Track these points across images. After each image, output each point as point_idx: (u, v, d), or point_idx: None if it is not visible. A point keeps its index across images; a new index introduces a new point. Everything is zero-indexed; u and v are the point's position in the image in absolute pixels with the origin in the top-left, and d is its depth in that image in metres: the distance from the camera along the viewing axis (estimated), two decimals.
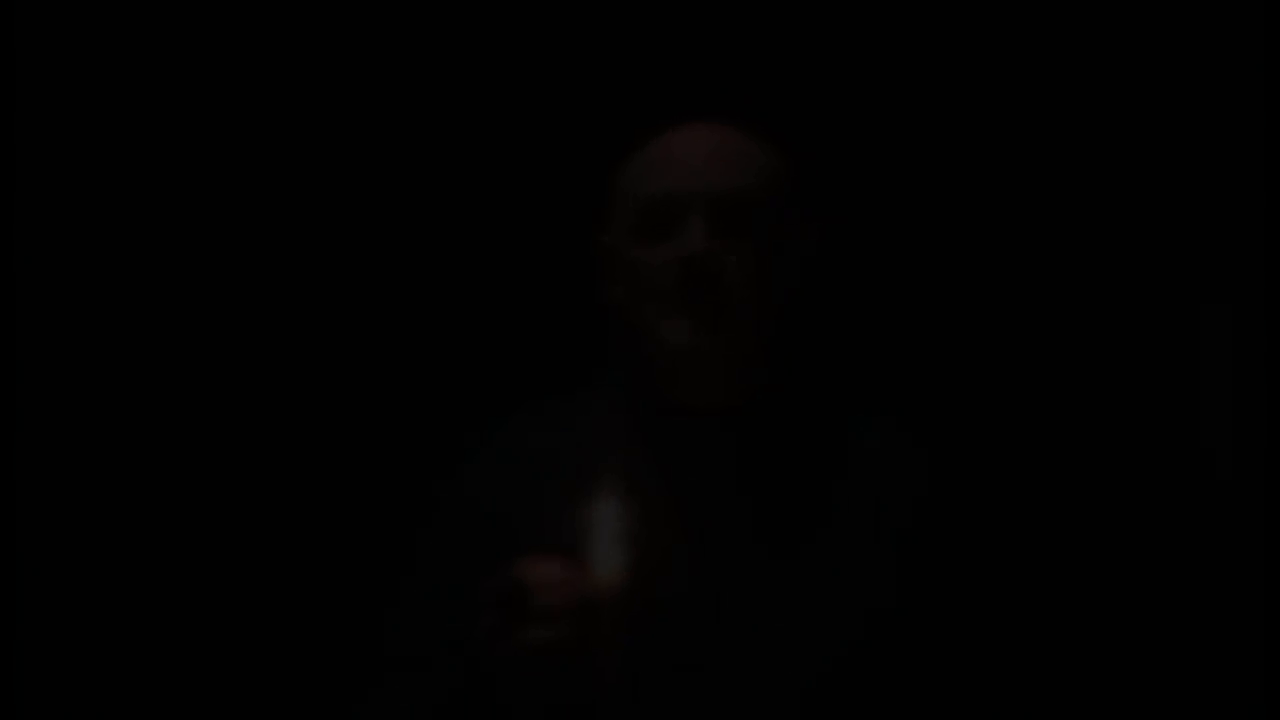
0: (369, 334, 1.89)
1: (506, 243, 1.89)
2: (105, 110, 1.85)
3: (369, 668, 1.25)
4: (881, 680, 1.20)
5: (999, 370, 1.90)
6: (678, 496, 1.16)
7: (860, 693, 1.19)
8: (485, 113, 1.91)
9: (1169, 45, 1.82)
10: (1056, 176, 1.89)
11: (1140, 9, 1.82)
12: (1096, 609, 1.83)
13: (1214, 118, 1.81)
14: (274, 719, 1.75)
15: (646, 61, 1.87)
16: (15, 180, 1.74)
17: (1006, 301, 1.90)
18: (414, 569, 1.28)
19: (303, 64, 1.88)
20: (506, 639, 1.01)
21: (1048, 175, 1.89)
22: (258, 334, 1.88)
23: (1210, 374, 1.86)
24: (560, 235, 1.45)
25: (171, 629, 1.81)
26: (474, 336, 1.89)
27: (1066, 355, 1.89)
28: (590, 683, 1.02)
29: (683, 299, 1.22)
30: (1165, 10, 1.81)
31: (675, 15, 1.88)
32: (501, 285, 1.90)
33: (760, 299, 1.24)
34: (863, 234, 1.85)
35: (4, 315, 1.71)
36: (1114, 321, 1.89)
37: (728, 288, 1.22)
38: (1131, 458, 1.88)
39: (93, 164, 1.85)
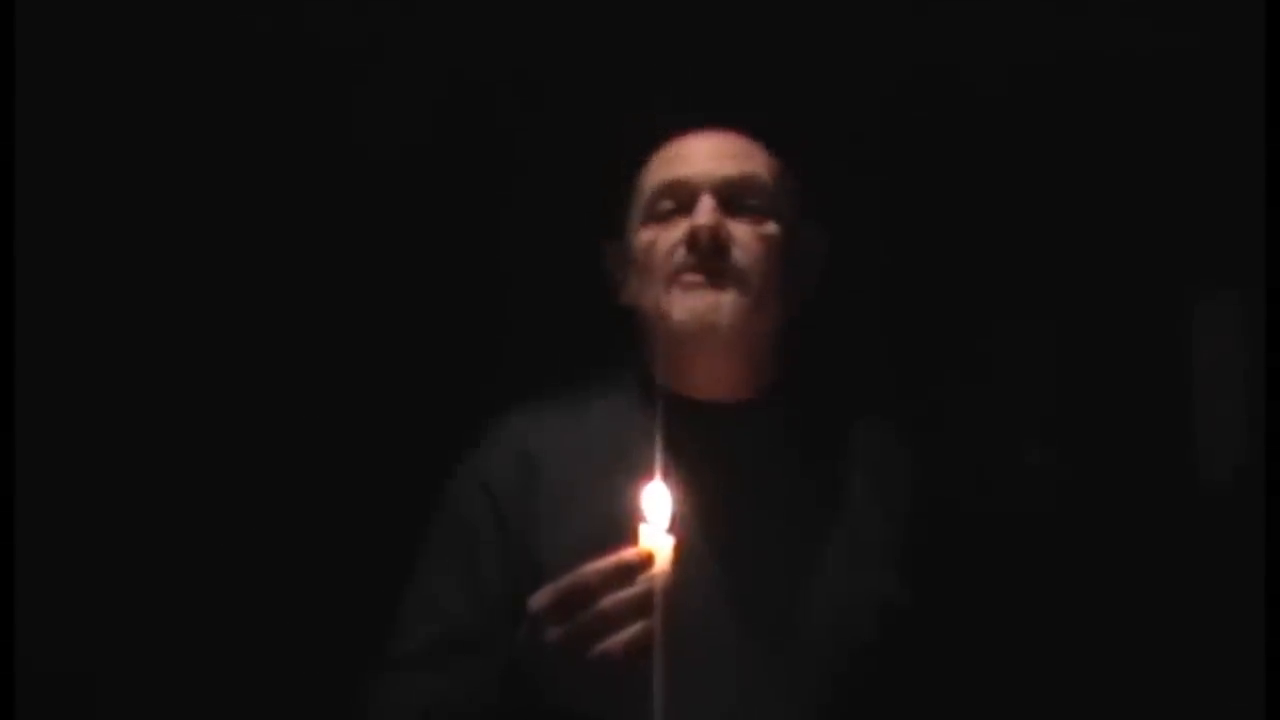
0: (381, 330, 1.90)
1: (520, 241, 1.90)
2: (105, 111, 1.86)
3: (382, 663, 1.25)
4: (878, 671, 1.22)
5: (997, 367, 1.91)
6: (690, 486, 1.17)
7: (858, 682, 1.21)
8: (498, 112, 1.92)
9: (1168, 45, 1.83)
10: (1056, 178, 1.90)
11: (1138, 7, 1.83)
12: (1089, 607, 1.84)
13: (1212, 117, 1.82)
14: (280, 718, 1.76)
15: (660, 69, 1.88)
16: (15, 180, 1.73)
17: (1005, 299, 1.91)
18: (427, 560, 1.28)
19: (313, 67, 1.89)
20: (576, 644, 1.01)
21: (1047, 177, 1.90)
22: (272, 329, 1.88)
23: (1208, 375, 1.86)
24: (574, 233, 1.46)
25: (175, 629, 1.82)
26: (485, 332, 1.90)
27: (1065, 353, 1.90)
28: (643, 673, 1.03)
29: (691, 267, 1.24)
30: (1164, 8, 1.82)
31: (687, 24, 1.90)
32: (515, 281, 1.91)
33: (765, 275, 1.26)
34: (863, 237, 1.86)
35: (4, 315, 1.71)
36: (1112, 321, 1.90)
37: (734, 258, 1.24)
38: (1124, 456, 1.88)
39: (93, 165, 1.86)
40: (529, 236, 1.89)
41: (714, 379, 1.31)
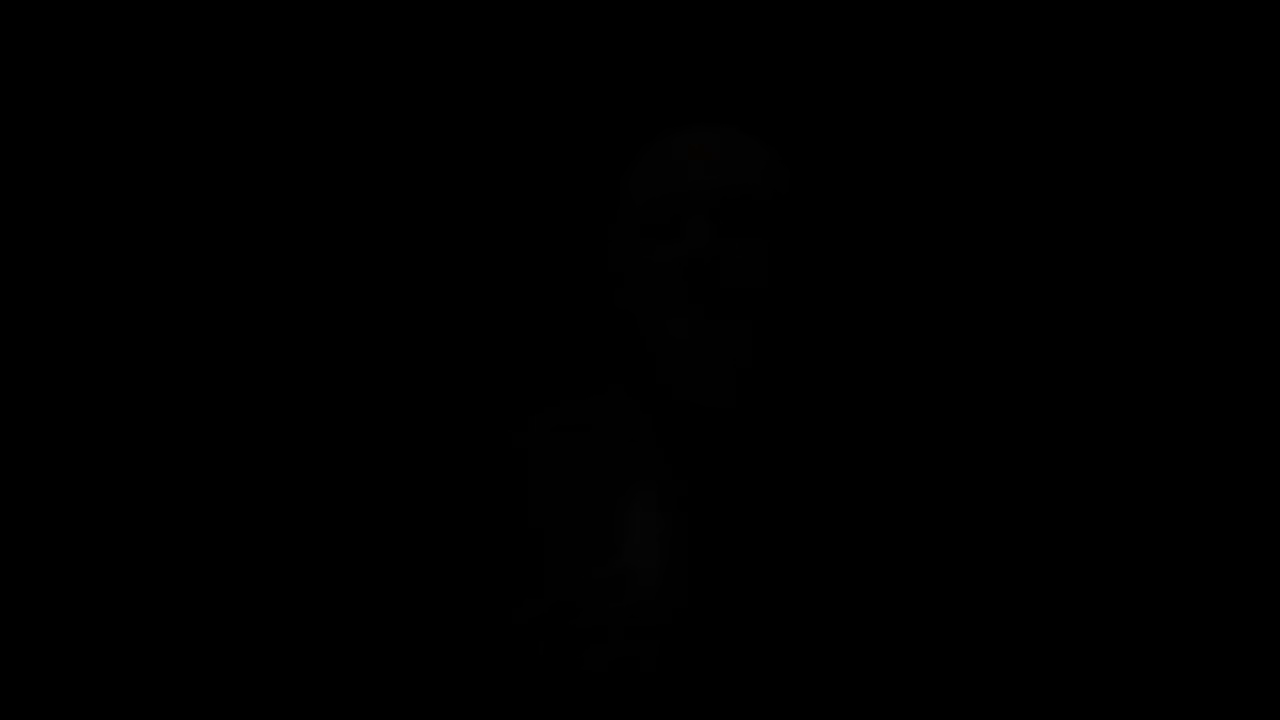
0: (377, 336, 1.89)
1: (515, 245, 1.89)
2: (105, 111, 1.85)
3: (379, 669, 1.24)
4: (887, 676, 1.21)
5: (997, 369, 1.90)
6: (687, 495, 1.16)
7: (867, 688, 1.19)
8: (492, 112, 1.91)
9: (1167, 44, 1.83)
10: (1056, 174, 1.90)
11: (1139, 6, 1.83)
12: (1091, 608, 1.83)
13: (1213, 117, 1.81)
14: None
15: (650, 62, 1.87)
16: (15, 180, 1.73)
17: (1006, 298, 1.90)
18: (424, 569, 1.27)
19: (310, 65, 1.88)
20: (568, 663, 1.01)
21: (1047, 173, 1.90)
22: (263, 336, 1.87)
23: (1209, 376, 1.85)
24: (568, 237, 1.44)
25: (173, 631, 1.81)
26: (483, 339, 1.89)
27: (1065, 354, 1.90)
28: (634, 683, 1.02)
29: (687, 296, 1.21)
30: (1164, 7, 1.82)
31: (677, 16, 1.89)
32: (510, 288, 1.90)
33: (763, 294, 1.23)
34: (863, 233, 1.85)
35: (4, 315, 1.71)
36: (1112, 321, 1.89)
37: (731, 283, 1.21)
38: (1130, 453, 1.88)
39: (92, 164, 1.85)
40: (524, 238, 1.88)
41: (710, 392, 1.28)
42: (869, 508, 1.27)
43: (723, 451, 1.25)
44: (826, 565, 1.23)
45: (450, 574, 1.24)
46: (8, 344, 1.75)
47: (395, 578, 1.28)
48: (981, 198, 1.90)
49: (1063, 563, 1.80)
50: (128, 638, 1.78)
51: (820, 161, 1.39)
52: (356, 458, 1.86)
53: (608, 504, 1.15)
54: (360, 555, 1.78)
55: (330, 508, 1.84)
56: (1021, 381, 1.89)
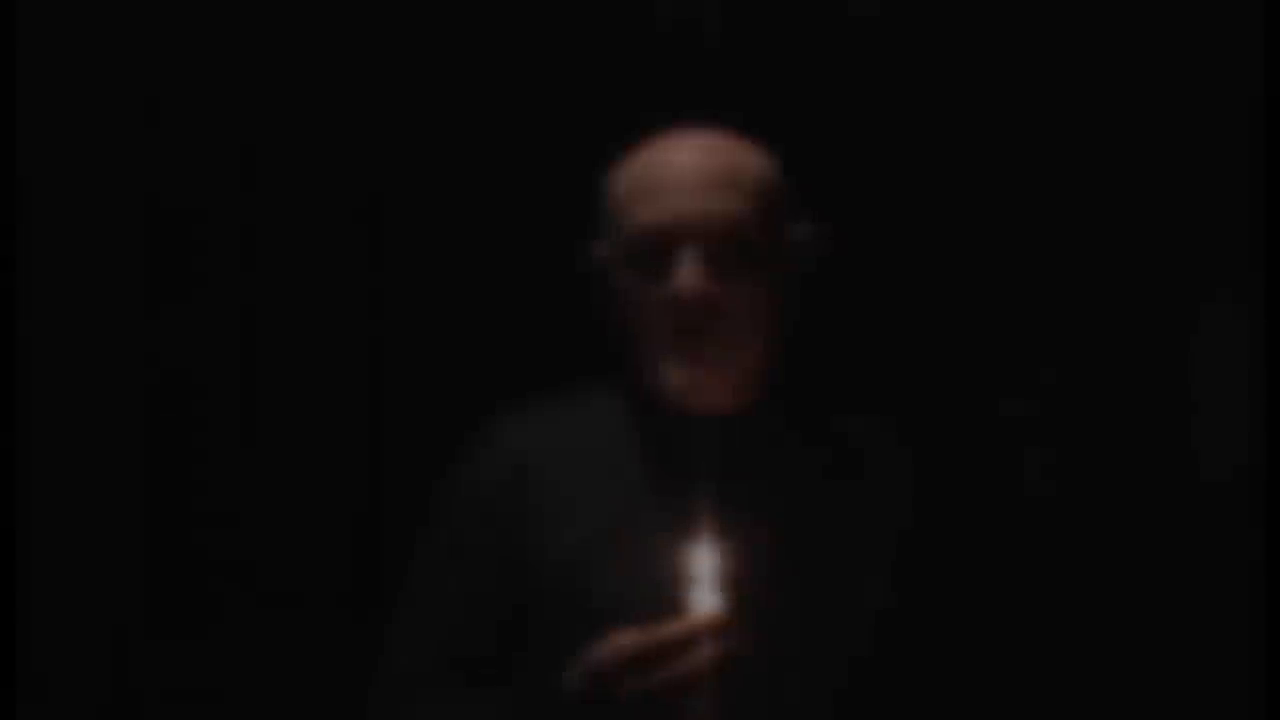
0: (369, 335, 1.89)
1: (505, 238, 1.89)
2: (105, 110, 1.85)
3: (379, 681, 1.24)
4: (889, 677, 1.20)
5: (992, 369, 1.91)
6: (678, 497, 1.15)
7: (869, 690, 1.19)
8: (481, 106, 1.91)
9: (1165, 43, 1.83)
10: (1052, 176, 1.90)
11: (1138, 4, 1.83)
12: (1092, 607, 1.84)
13: (1211, 113, 1.82)
14: None
15: (644, 57, 1.87)
16: (15, 180, 1.73)
17: (1006, 299, 1.91)
18: (420, 572, 1.27)
19: (306, 68, 1.88)
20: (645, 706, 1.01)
21: (1044, 174, 1.90)
22: (256, 336, 1.87)
23: (1206, 374, 1.86)
24: (559, 229, 1.42)
25: (171, 634, 1.82)
26: (473, 333, 1.89)
27: (1063, 354, 1.90)
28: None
29: (679, 343, 1.18)
30: (1163, 6, 1.82)
31: (671, 12, 1.89)
32: (501, 281, 1.90)
33: (760, 326, 1.20)
34: (859, 232, 1.85)
35: (4, 315, 1.71)
36: (1110, 321, 1.90)
37: (725, 325, 1.18)
38: (1125, 456, 1.88)
39: (93, 164, 1.85)
40: (522, 239, 1.88)
41: (703, 400, 1.26)
42: (869, 501, 1.27)
43: (715, 451, 1.23)
44: (832, 565, 1.22)
45: (453, 575, 1.24)
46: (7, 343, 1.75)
47: (404, 588, 1.28)
48: (980, 198, 1.91)
49: (1054, 567, 1.80)
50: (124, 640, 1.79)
51: (814, 158, 1.37)
52: (355, 459, 1.87)
53: (605, 499, 1.14)
54: (361, 563, 1.78)
55: (329, 511, 1.84)
56: (1019, 380, 1.90)
